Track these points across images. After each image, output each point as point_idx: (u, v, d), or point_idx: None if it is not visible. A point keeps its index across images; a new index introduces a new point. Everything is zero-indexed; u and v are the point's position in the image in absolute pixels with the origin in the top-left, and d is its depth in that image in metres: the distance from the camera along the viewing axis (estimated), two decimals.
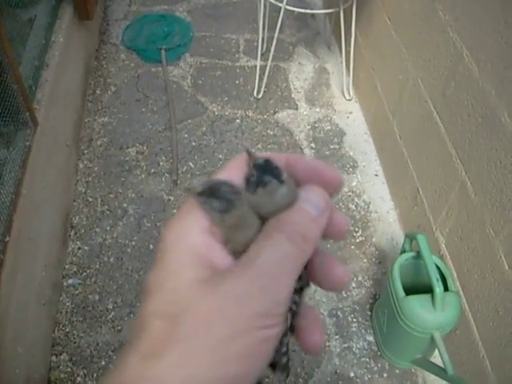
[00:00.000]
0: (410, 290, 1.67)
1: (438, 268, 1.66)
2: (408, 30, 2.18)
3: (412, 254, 1.76)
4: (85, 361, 1.82)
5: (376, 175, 2.48)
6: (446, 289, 1.63)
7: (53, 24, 2.41)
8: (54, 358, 1.81)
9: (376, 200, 2.38)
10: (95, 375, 1.79)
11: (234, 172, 0.39)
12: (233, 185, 0.37)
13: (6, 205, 1.59)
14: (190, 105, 2.78)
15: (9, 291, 1.51)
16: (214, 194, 0.36)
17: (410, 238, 1.78)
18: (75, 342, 1.85)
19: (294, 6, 2.63)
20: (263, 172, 0.37)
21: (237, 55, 3.09)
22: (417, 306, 1.63)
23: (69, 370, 1.80)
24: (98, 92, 2.83)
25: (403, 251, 1.81)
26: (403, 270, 1.73)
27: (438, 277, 1.59)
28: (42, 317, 1.80)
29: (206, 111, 2.75)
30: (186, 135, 2.62)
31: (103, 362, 1.81)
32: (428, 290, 1.62)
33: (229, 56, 3.09)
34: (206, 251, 0.35)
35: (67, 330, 1.88)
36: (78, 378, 1.78)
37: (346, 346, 1.92)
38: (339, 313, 2.00)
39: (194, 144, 2.58)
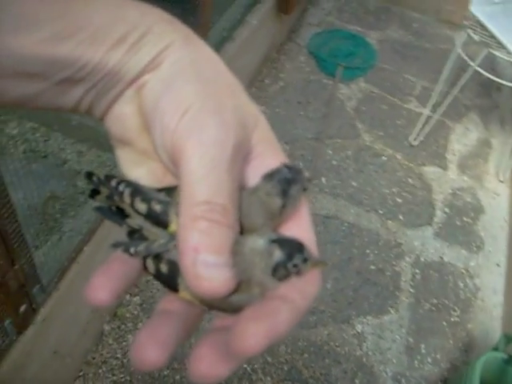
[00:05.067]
0: None
1: None
2: None
3: (503, 355, 1.65)
4: (152, 312, 1.88)
5: (498, 265, 2.34)
6: None
7: (253, 6, 2.53)
8: (127, 296, 1.90)
9: (487, 289, 2.25)
10: None
11: None
12: None
13: None
14: (345, 126, 2.79)
15: None
16: None
17: (508, 339, 1.67)
18: (151, 292, 1.93)
19: (485, 71, 2.55)
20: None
21: (408, 97, 3.05)
22: None
23: (135, 312, 1.88)
24: (266, 81, 2.92)
25: (495, 349, 1.70)
26: (487, 367, 1.63)
27: None
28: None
29: (357, 137, 2.75)
30: (331, 152, 2.63)
31: None
32: None
33: (400, 95, 3.05)
34: None
35: (149, 278, 1.96)
36: (140, 324, 1.85)
37: None
38: (403, 380, 1.92)
39: (334, 163, 2.59)
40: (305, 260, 0.31)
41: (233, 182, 0.32)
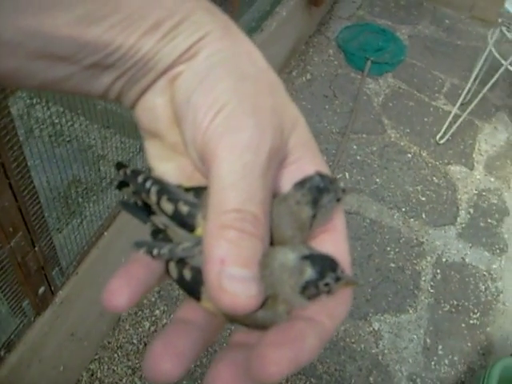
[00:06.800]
0: None
1: None
2: None
3: None
4: (169, 300, 1.90)
5: None
6: None
7: None
8: None
9: (509, 293, 2.21)
10: (171, 316, 1.86)
11: None
12: None
13: None
14: (371, 121, 2.77)
15: None
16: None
17: None
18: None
19: None
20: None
21: (437, 94, 3.01)
22: None
23: (153, 299, 1.89)
24: (293, 74, 2.90)
25: None
26: (504, 372, 1.61)
27: None
28: None
29: (383, 133, 2.72)
30: (355, 147, 2.61)
31: None
32: None
33: (429, 92, 3.01)
34: None
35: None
36: (157, 311, 1.86)
37: None
38: (419, 380, 1.90)
39: (358, 158, 2.56)
40: (337, 279, 0.29)
41: (266, 190, 0.30)
